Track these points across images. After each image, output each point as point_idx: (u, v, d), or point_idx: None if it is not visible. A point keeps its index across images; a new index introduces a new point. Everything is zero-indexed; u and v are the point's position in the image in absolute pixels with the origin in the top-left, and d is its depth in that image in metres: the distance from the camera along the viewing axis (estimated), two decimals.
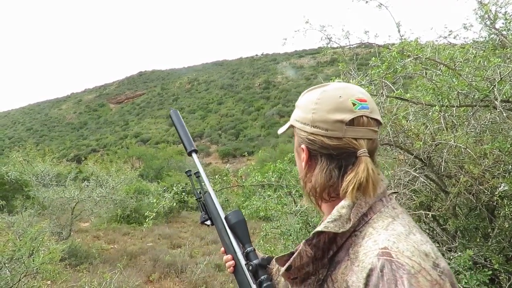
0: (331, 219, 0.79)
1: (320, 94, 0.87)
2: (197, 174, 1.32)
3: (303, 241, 0.81)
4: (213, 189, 1.28)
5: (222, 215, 1.20)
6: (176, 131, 1.41)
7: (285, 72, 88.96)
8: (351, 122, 0.82)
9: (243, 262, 1.12)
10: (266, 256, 1.13)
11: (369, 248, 0.73)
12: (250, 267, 1.09)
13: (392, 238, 0.72)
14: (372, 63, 2.30)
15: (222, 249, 1.17)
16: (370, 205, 0.81)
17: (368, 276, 0.69)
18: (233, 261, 1.12)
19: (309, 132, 0.86)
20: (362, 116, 0.83)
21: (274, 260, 0.89)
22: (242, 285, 1.12)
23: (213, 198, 1.23)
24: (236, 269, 1.13)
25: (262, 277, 1.08)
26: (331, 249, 0.81)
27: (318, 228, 0.79)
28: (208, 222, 1.23)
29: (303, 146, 0.89)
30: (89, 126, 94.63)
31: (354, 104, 0.83)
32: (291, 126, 0.96)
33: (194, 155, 1.34)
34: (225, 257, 1.15)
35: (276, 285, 1.18)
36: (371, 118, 0.84)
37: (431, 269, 0.68)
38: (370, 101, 0.86)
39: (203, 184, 1.31)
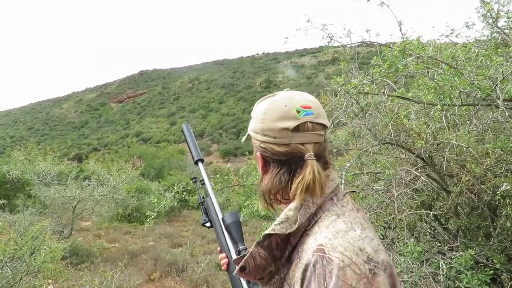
0: (278, 221, 0.84)
1: (268, 105, 0.94)
2: (202, 182, 1.43)
3: (255, 243, 0.86)
4: (214, 193, 1.39)
5: (220, 217, 1.28)
6: (186, 142, 1.56)
7: (286, 71, 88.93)
8: (297, 129, 0.88)
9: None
10: None
11: (309, 246, 0.78)
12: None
13: (330, 235, 0.77)
14: (373, 62, 2.29)
15: (219, 248, 1.26)
16: (319, 205, 0.85)
17: (304, 271, 0.75)
18: (227, 259, 1.21)
19: (261, 140, 0.93)
20: (306, 122, 0.88)
21: (232, 261, 0.96)
22: (234, 281, 1.19)
23: (214, 202, 1.34)
24: (230, 266, 1.21)
25: None
26: (286, 249, 0.85)
27: (266, 231, 0.84)
28: (208, 224, 1.34)
29: (257, 153, 0.95)
30: (90, 125, 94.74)
31: (298, 112, 0.89)
32: (249, 136, 1.01)
33: (200, 164, 1.46)
34: (220, 255, 1.24)
35: None
36: (316, 123, 0.89)
37: (362, 264, 0.72)
38: (316, 107, 0.92)
39: (206, 190, 1.42)
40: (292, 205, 0.86)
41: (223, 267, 1.22)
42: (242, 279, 1.15)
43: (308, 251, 0.77)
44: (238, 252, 1.19)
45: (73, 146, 69.67)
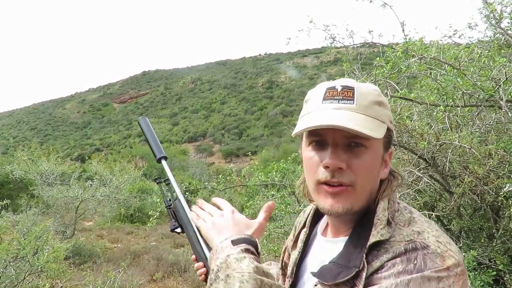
0: (382, 225, 0.75)
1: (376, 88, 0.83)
2: (167, 182, 1.29)
3: (363, 258, 0.73)
4: (183, 194, 1.25)
5: (193, 222, 1.16)
6: (145, 138, 1.40)
7: (287, 72, 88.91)
8: None
9: None
10: None
11: (399, 239, 0.73)
12: None
13: (419, 228, 0.74)
14: (376, 63, 2.29)
15: (193, 256, 1.13)
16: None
17: (392, 256, 0.70)
18: (204, 268, 1.07)
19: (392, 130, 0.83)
20: None
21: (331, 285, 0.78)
22: None
23: (184, 205, 1.20)
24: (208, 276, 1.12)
25: None
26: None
27: (375, 239, 0.73)
28: (178, 230, 1.21)
29: (391, 150, 0.85)
30: (93, 126, 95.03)
31: None
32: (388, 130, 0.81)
33: (163, 162, 1.32)
34: (196, 264, 1.09)
35: None
36: None
37: (456, 256, 0.70)
38: None
39: (172, 191, 1.29)
40: (385, 204, 0.78)
41: (200, 278, 1.08)
42: None
43: (397, 242, 0.72)
44: None
45: (76, 146, 69.95)
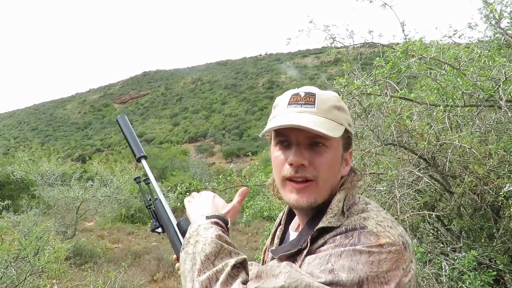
0: (333, 213, 0.82)
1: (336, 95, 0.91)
2: (147, 181, 1.29)
3: (308, 238, 0.82)
4: (163, 194, 1.26)
5: (174, 222, 1.17)
6: (124, 137, 1.38)
7: (288, 72, 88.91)
8: None
9: None
10: None
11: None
12: None
13: (363, 219, 0.80)
14: (376, 63, 2.29)
15: (174, 256, 1.13)
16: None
17: (334, 237, 0.78)
18: None
19: (351, 132, 0.92)
20: None
21: (279, 256, 0.87)
22: None
23: (164, 205, 1.21)
24: None
25: None
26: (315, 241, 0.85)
27: (323, 224, 0.81)
28: (159, 230, 1.20)
29: (351, 150, 0.93)
30: (94, 126, 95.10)
31: None
32: (342, 136, 0.88)
33: (143, 161, 1.31)
34: (177, 264, 1.10)
35: None
36: None
37: (392, 237, 0.77)
38: None
39: (151, 191, 1.29)
40: (340, 196, 0.86)
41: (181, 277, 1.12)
42: None
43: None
44: None
45: (77, 147, 70.00)
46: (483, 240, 2.56)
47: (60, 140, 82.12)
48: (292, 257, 0.82)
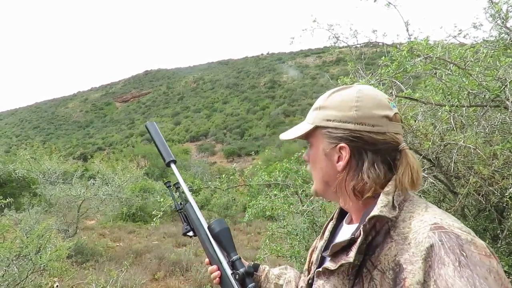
0: (383, 204, 0.81)
1: (357, 93, 0.89)
2: (177, 185, 1.31)
3: (361, 227, 0.81)
4: (194, 198, 1.26)
5: (205, 225, 1.17)
6: (153, 142, 1.41)
7: (289, 73, 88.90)
8: (391, 118, 0.88)
9: (229, 271, 1.10)
10: (253, 263, 1.13)
11: (418, 227, 0.76)
12: (237, 276, 1.07)
13: (438, 216, 0.77)
14: (381, 63, 2.28)
15: (207, 260, 1.15)
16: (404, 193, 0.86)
17: (430, 247, 0.71)
18: (218, 271, 1.10)
19: (352, 129, 0.87)
20: (396, 113, 0.89)
21: (332, 247, 0.87)
22: None
23: (195, 208, 1.21)
24: (222, 279, 1.10)
25: (250, 286, 1.07)
26: (370, 234, 0.82)
27: (374, 213, 0.80)
28: (191, 233, 1.21)
29: (342, 144, 0.88)
30: (95, 125, 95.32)
31: (389, 102, 0.90)
32: (316, 128, 0.93)
33: (173, 165, 1.33)
34: (210, 268, 1.12)
35: None
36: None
37: (478, 239, 0.73)
38: None
39: (182, 195, 1.30)
40: (388, 189, 0.84)
41: (214, 281, 1.10)
42: None
43: (421, 231, 0.75)
44: (232, 263, 1.10)
45: (78, 145, 70.15)
46: (487, 241, 2.55)
47: (61, 138, 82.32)
48: (346, 248, 0.83)
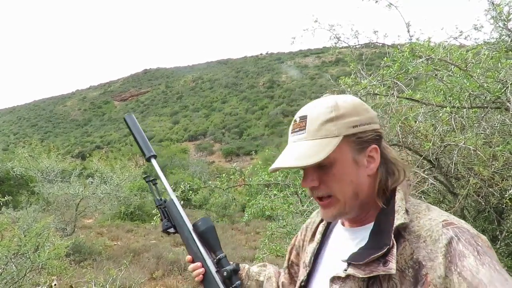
0: (403, 210, 0.83)
1: (355, 98, 0.92)
2: (154, 182, 1.28)
3: (392, 236, 0.80)
4: (175, 194, 1.24)
5: (188, 222, 1.16)
6: (133, 136, 1.34)
7: (288, 72, 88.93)
8: None
9: (213, 269, 1.10)
10: (235, 262, 1.13)
11: (430, 225, 0.79)
12: (225, 273, 1.08)
13: (443, 213, 0.82)
14: (383, 64, 2.28)
15: (189, 257, 1.13)
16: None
17: (448, 244, 0.75)
18: (203, 268, 1.09)
19: (376, 129, 0.89)
20: None
21: (360, 257, 0.85)
22: None
23: (177, 205, 1.19)
24: (206, 277, 1.10)
25: (236, 283, 1.08)
26: None
27: (400, 221, 0.81)
28: (172, 230, 1.18)
29: (373, 146, 0.87)
30: (94, 123, 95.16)
31: None
32: (346, 137, 0.86)
33: (153, 161, 1.29)
34: (193, 265, 1.11)
35: None
36: None
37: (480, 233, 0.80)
38: None
39: (158, 191, 1.28)
40: (399, 195, 0.86)
41: (197, 278, 1.10)
42: None
43: (434, 229, 0.78)
44: (218, 261, 1.10)
45: (76, 143, 70.02)
46: None
47: (59, 136, 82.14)
48: (381, 259, 0.80)
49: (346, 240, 0.94)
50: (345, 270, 0.85)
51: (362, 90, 2.22)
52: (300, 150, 0.85)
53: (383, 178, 0.88)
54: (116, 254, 8.40)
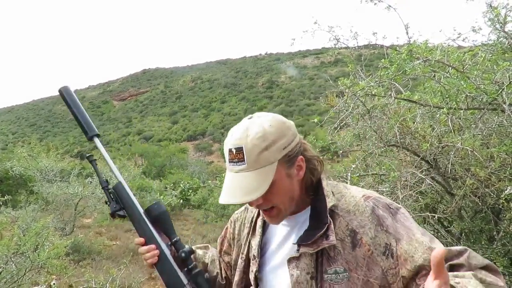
0: (330, 193, 1.05)
1: (276, 118, 1.04)
2: (94, 163, 1.18)
3: (327, 215, 1.00)
4: (123, 176, 1.18)
5: (138, 205, 1.13)
6: (70, 112, 1.19)
7: (286, 70, 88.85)
8: None
9: (167, 251, 1.11)
10: (188, 245, 1.17)
11: (354, 201, 1.03)
12: (183, 254, 1.10)
13: (360, 189, 1.08)
14: (381, 65, 2.31)
15: (140, 239, 1.13)
16: None
17: (372, 212, 0.99)
18: (157, 250, 1.11)
19: (298, 141, 1.04)
20: None
21: (307, 237, 1.01)
22: (169, 275, 1.10)
23: (126, 188, 1.14)
24: (161, 259, 1.10)
25: (192, 264, 1.11)
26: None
27: (331, 203, 1.02)
28: (121, 213, 1.14)
29: (300, 157, 1.03)
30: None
31: None
32: (280, 160, 0.99)
33: (96, 140, 1.18)
34: (146, 247, 1.12)
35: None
36: None
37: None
38: None
39: (100, 172, 1.21)
40: (325, 182, 1.07)
41: (150, 260, 1.11)
42: (179, 271, 1.09)
43: (359, 203, 1.02)
44: (174, 244, 1.12)
45: (75, 143, 69.83)
46: (483, 243, 2.58)
47: (58, 136, 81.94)
48: (324, 234, 0.98)
49: (287, 227, 1.10)
50: (297, 250, 1.01)
51: (360, 91, 2.25)
52: (247, 182, 0.95)
53: (309, 177, 1.06)
54: (115, 254, 8.40)
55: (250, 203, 1.01)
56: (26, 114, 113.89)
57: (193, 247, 1.24)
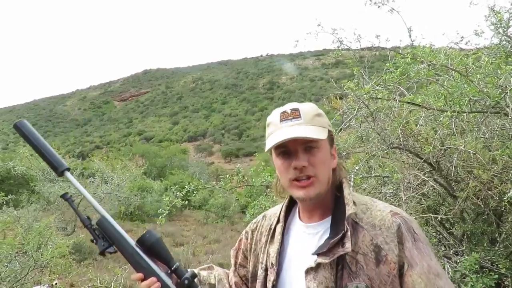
0: (351, 202, 1.03)
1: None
2: (71, 200, 1.08)
3: (345, 223, 0.99)
4: (105, 209, 1.09)
5: (128, 237, 1.06)
6: (33, 148, 1.11)
7: (284, 66, 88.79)
8: None
9: (169, 281, 1.04)
10: (189, 269, 1.12)
11: (381, 215, 1.01)
12: (186, 281, 1.03)
13: (387, 205, 1.06)
14: (386, 69, 2.33)
15: (138, 274, 1.04)
16: None
17: (398, 229, 0.97)
18: (158, 283, 1.02)
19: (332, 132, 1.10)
20: None
21: (324, 244, 1.00)
22: None
23: (111, 221, 1.06)
24: None
25: None
26: None
27: (351, 211, 1.00)
28: (111, 249, 1.06)
29: (334, 146, 1.11)
30: (93, 123, 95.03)
31: None
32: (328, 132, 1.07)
33: (68, 174, 1.09)
34: (147, 281, 1.03)
35: None
36: None
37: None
38: None
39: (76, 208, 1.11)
40: (347, 190, 1.06)
41: None
42: None
43: (385, 218, 1.00)
44: (175, 271, 1.05)
45: (76, 143, 69.89)
46: (485, 245, 2.59)
47: (59, 136, 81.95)
48: (340, 242, 0.97)
49: (308, 235, 1.09)
50: (315, 260, 0.99)
51: (365, 95, 2.27)
52: (304, 129, 1.00)
53: (337, 173, 1.09)
54: (116, 254, 8.40)
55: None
56: (27, 114, 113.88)
57: (196, 270, 1.22)
